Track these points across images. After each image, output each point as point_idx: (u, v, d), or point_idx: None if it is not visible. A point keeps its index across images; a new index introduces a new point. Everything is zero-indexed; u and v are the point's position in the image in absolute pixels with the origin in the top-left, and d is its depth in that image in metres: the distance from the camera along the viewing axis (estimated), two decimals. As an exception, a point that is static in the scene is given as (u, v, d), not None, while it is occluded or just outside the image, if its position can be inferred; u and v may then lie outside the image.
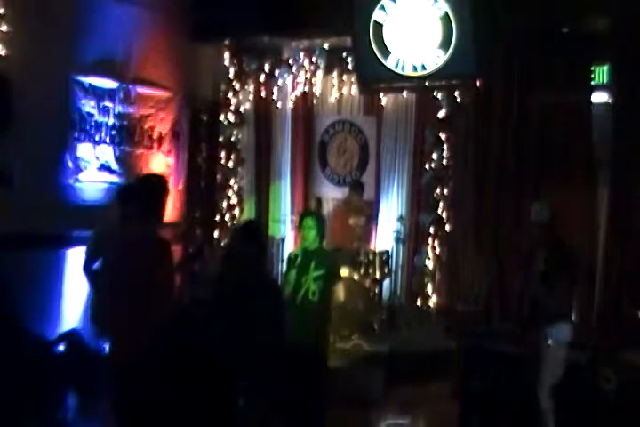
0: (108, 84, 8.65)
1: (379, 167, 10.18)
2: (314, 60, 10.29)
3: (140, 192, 5.09)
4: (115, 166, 8.78)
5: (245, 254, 5.42)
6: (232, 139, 10.78)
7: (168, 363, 4.40)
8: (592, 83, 8.40)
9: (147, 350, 4.43)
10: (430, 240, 9.37)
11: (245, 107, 10.85)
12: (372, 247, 9.55)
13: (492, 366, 6.52)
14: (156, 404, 4.34)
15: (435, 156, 9.34)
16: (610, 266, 8.07)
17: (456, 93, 9.13)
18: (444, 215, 9.31)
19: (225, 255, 6.00)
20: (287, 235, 10.14)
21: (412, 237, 9.62)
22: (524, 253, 6.52)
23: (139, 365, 4.40)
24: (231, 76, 10.68)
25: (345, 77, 10.26)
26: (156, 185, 5.06)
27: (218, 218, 10.74)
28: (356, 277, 8.72)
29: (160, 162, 9.42)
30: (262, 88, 10.74)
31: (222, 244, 10.28)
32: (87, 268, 6.79)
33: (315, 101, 10.57)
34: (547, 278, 6.02)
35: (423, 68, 8.72)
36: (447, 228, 9.30)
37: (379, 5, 8.84)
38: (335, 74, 10.32)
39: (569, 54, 8.36)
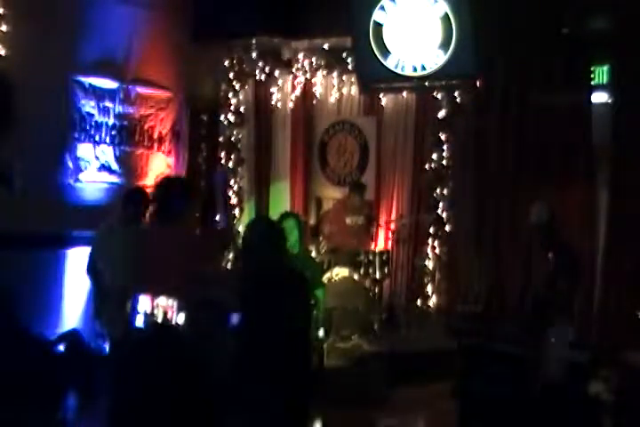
0: (108, 84, 8.64)
1: (379, 167, 10.16)
2: (314, 60, 10.28)
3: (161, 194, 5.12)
4: (115, 166, 8.78)
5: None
6: (232, 139, 10.76)
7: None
8: (592, 83, 8.39)
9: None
10: (430, 240, 9.36)
11: (245, 107, 10.84)
12: (372, 247, 9.54)
13: (492, 366, 6.50)
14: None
15: (435, 156, 9.33)
16: (610, 266, 8.08)
17: (456, 93, 9.12)
18: (444, 215, 9.30)
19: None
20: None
21: (412, 237, 9.62)
22: (526, 254, 6.52)
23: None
24: (231, 76, 10.67)
25: (345, 77, 10.25)
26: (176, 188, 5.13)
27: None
28: (356, 277, 8.70)
29: (160, 162, 9.42)
30: (262, 88, 10.75)
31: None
32: (91, 269, 6.77)
33: (315, 102, 10.57)
34: (551, 279, 6.02)
35: (423, 68, 8.73)
36: (447, 228, 9.29)
37: (379, 5, 8.85)
38: (335, 74, 10.30)
39: (569, 54, 8.36)
